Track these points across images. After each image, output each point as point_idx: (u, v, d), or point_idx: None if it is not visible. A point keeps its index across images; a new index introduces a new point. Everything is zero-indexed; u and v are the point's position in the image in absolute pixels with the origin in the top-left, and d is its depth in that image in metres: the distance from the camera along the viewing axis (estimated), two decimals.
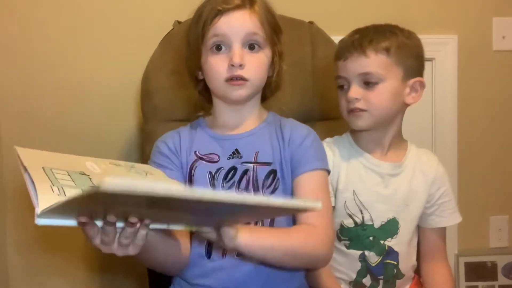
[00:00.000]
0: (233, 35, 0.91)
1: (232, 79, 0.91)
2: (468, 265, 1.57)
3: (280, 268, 0.90)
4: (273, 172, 0.94)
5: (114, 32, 1.36)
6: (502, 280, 1.59)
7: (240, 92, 0.93)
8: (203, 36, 0.93)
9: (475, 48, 1.53)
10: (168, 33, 1.24)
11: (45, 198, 0.62)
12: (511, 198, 1.60)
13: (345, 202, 1.05)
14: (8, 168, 1.34)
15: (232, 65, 0.91)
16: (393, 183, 1.06)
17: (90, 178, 0.71)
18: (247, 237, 0.82)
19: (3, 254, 1.37)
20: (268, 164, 0.95)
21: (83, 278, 1.41)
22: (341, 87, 1.06)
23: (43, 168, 0.68)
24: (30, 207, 1.44)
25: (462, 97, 1.53)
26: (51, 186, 0.65)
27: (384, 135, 1.07)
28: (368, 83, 1.01)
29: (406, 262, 1.08)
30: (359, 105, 1.02)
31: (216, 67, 0.93)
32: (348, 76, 1.03)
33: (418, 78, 1.04)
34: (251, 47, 0.93)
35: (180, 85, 1.16)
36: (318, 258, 0.93)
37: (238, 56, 0.90)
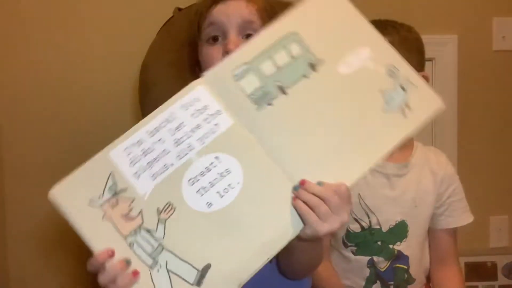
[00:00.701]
0: (228, 23, 0.86)
1: None
2: (468, 265, 1.57)
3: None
4: None
5: (112, 25, 1.33)
6: (502, 280, 1.59)
7: None
8: (199, 27, 0.89)
9: (475, 48, 1.52)
10: (167, 21, 1.20)
11: None
12: (511, 198, 1.60)
13: None
14: (8, 166, 1.31)
15: (227, 52, 0.83)
16: (400, 184, 1.04)
17: None
18: None
19: (3, 254, 1.35)
20: None
21: (83, 277, 1.38)
22: None
23: None
24: (30, 206, 1.41)
25: (462, 97, 1.52)
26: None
27: None
28: None
29: (418, 266, 1.06)
30: None
31: (212, 57, 0.86)
32: None
33: (422, 73, 1.03)
34: (248, 37, 0.86)
35: (179, 77, 1.13)
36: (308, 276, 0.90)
37: (233, 42, 0.84)
